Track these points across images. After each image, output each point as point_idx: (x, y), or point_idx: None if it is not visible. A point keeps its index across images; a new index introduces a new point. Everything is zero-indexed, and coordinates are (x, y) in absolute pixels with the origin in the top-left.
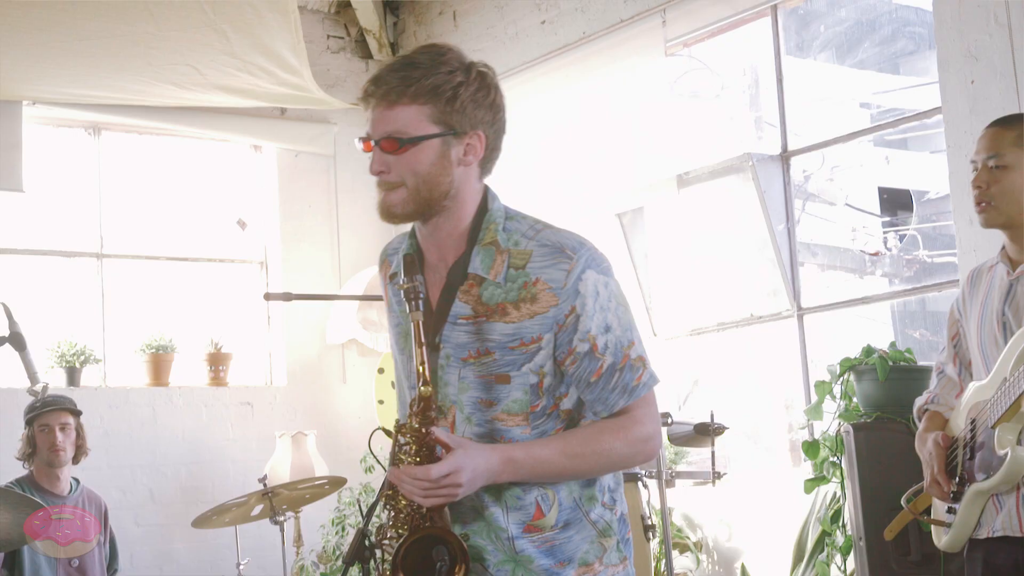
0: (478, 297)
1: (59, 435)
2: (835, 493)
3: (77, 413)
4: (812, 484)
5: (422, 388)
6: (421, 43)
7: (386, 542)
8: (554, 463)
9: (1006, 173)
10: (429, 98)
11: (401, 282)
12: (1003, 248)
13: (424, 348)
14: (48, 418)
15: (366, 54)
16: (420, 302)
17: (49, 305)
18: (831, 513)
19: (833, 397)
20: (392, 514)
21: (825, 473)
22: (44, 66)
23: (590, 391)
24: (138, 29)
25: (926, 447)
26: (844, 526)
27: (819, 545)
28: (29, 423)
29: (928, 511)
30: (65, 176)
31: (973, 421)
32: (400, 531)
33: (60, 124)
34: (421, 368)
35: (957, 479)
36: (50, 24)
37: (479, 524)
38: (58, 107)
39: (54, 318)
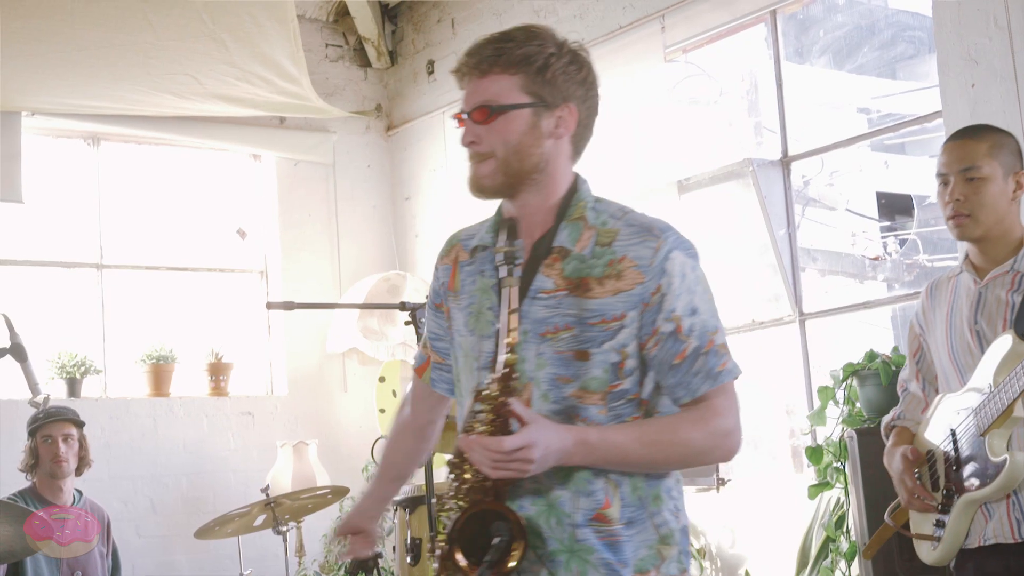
0: (561, 271)
1: (62, 446)
2: (839, 499)
3: (80, 424)
4: (816, 490)
5: (508, 355)
6: (420, 51)
7: (443, 514)
8: (629, 450)
9: (984, 184)
10: (520, 68)
11: (499, 245)
12: (967, 258)
13: (515, 315)
14: (51, 429)
15: (364, 62)
16: (517, 267)
17: (49, 316)
18: (835, 519)
19: (836, 402)
20: (456, 484)
21: (829, 479)
22: (43, 77)
23: (672, 374)
24: (137, 39)
25: (894, 462)
26: (848, 532)
27: (823, 551)
28: (32, 434)
29: (907, 526)
30: (64, 187)
31: (953, 432)
32: (460, 502)
33: (59, 135)
34: (511, 333)
35: (944, 491)
36: (49, 35)
37: (540, 506)
38: (57, 118)
39: (54, 329)
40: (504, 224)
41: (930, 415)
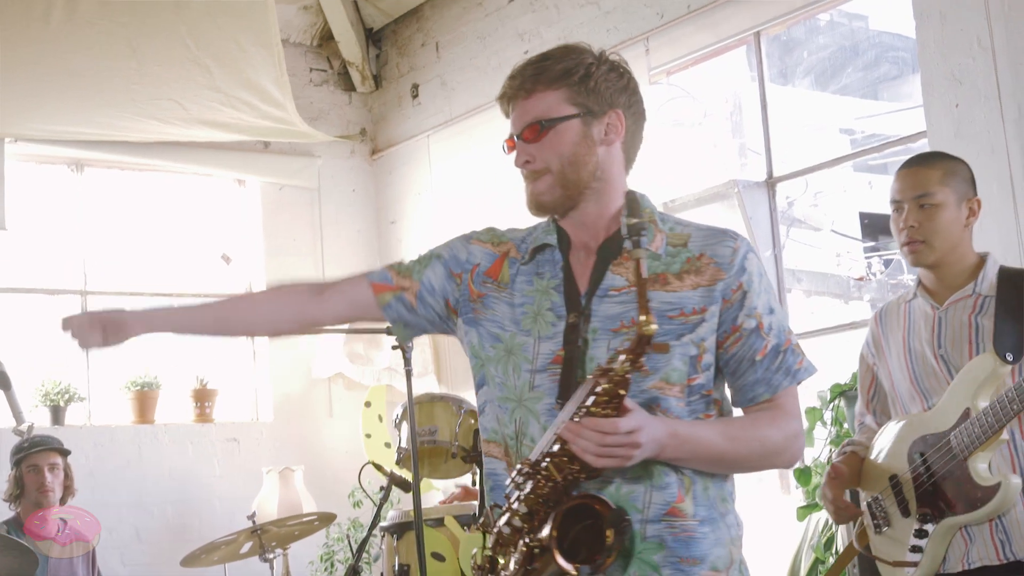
0: (633, 269)
1: (48, 475)
2: (827, 520)
3: (65, 453)
4: (805, 511)
5: (645, 328)
6: (404, 75)
7: (507, 526)
8: (715, 444)
9: (937, 211)
10: (563, 81)
11: (625, 219)
12: (920, 283)
13: (644, 286)
14: (37, 459)
15: (349, 86)
16: (643, 239)
17: (33, 343)
18: (824, 540)
19: (824, 423)
20: (529, 486)
21: (817, 500)
22: (26, 103)
23: (754, 371)
24: (121, 65)
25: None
26: (837, 553)
27: (812, 573)
28: (16, 464)
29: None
30: (48, 213)
31: (924, 456)
32: (529, 514)
33: (42, 161)
34: (644, 304)
35: (919, 516)
36: (32, 61)
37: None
38: (40, 144)
39: (38, 356)
40: (628, 196)
41: (885, 440)
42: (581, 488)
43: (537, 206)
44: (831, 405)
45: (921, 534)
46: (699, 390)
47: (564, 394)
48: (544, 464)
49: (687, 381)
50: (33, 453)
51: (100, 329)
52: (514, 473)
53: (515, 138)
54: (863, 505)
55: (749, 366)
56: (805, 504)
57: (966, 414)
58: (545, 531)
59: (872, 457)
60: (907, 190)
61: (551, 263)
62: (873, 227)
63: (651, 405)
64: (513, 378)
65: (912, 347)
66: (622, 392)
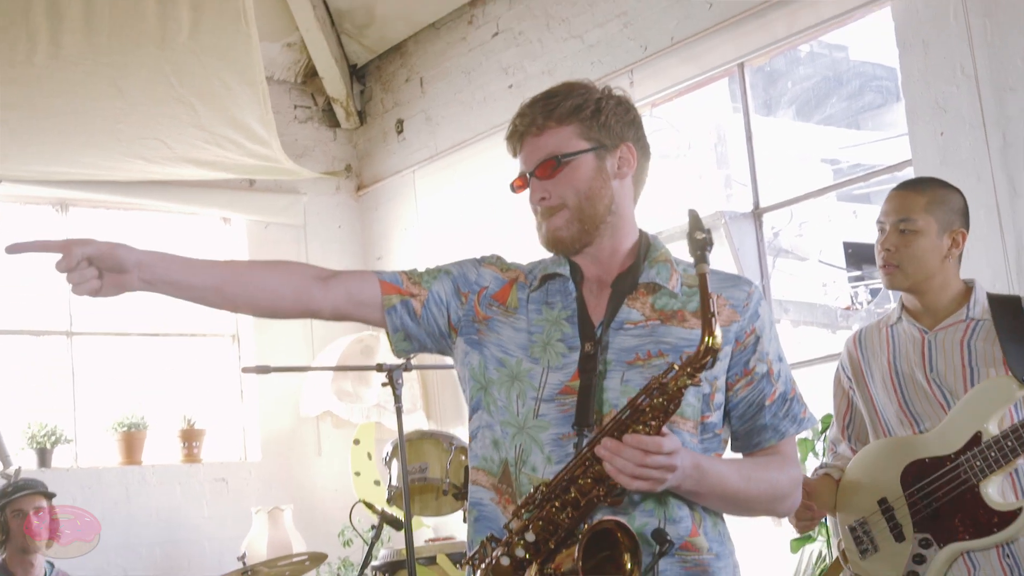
0: (650, 304)
1: (33, 520)
2: (821, 552)
3: (50, 496)
4: (798, 543)
5: (709, 340)
6: (389, 111)
7: (506, 556)
8: (732, 481)
9: (916, 238)
10: (574, 117)
11: (697, 236)
12: (903, 307)
13: (712, 300)
14: (22, 503)
15: (334, 123)
16: (708, 254)
17: (18, 385)
18: (818, 572)
19: (816, 454)
20: (542, 512)
21: (811, 532)
22: (10, 143)
23: (762, 415)
24: (105, 104)
25: None
26: None
27: None
28: (1, 509)
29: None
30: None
31: (927, 480)
32: (537, 544)
33: (27, 201)
34: (709, 320)
35: (918, 540)
36: (16, 101)
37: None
38: (25, 184)
39: (24, 398)
40: (691, 213)
41: (867, 463)
42: (596, 516)
43: (555, 242)
44: (822, 436)
45: (919, 559)
46: (711, 428)
47: (580, 421)
48: (566, 488)
49: (700, 418)
50: (18, 498)
51: (97, 272)
52: (524, 499)
53: (527, 176)
54: (844, 529)
55: (757, 411)
56: (798, 536)
57: (976, 438)
58: (564, 556)
59: (851, 480)
60: (891, 213)
61: (562, 293)
62: (857, 256)
63: None
64: (517, 404)
65: (900, 370)
66: (672, 408)
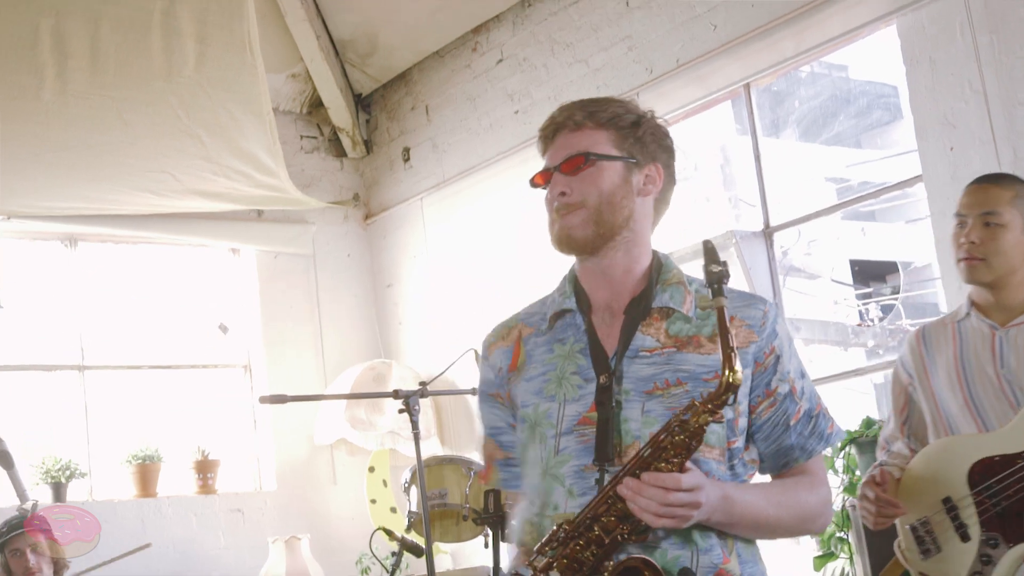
0: (665, 330)
1: (31, 557)
2: (843, 569)
3: (47, 530)
4: (821, 561)
5: (730, 376)
6: (395, 139)
7: None
8: (761, 509)
9: (1002, 232)
10: (612, 124)
11: (711, 269)
12: (972, 303)
13: (731, 335)
14: (17, 542)
15: (340, 152)
16: (724, 287)
17: (32, 420)
18: None
19: (836, 472)
20: (566, 550)
21: (833, 549)
22: (18, 180)
23: (788, 435)
24: (112, 138)
25: (861, 486)
26: None
27: None
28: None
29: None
30: (43, 289)
31: (995, 478)
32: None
33: (35, 237)
34: (730, 355)
35: (985, 539)
36: (23, 137)
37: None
38: (33, 220)
39: (38, 433)
40: (706, 245)
41: (930, 461)
42: (624, 552)
43: (566, 241)
44: (842, 453)
45: (986, 559)
46: (737, 453)
47: (600, 455)
48: (594, 527)
49: (727, 444)
50: (12, 537)
51: None
52: (547, 536)
53: (552, 169)
54: (904, 529)
55: (783, 431)
56: (821, 554)
57: None
58: None
59: (913, 478)
60: (974, 205)
61: (573, 327)
62: (865, 274)
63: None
64: (540, 449)
65: (968, 368)
66: (695, 445)
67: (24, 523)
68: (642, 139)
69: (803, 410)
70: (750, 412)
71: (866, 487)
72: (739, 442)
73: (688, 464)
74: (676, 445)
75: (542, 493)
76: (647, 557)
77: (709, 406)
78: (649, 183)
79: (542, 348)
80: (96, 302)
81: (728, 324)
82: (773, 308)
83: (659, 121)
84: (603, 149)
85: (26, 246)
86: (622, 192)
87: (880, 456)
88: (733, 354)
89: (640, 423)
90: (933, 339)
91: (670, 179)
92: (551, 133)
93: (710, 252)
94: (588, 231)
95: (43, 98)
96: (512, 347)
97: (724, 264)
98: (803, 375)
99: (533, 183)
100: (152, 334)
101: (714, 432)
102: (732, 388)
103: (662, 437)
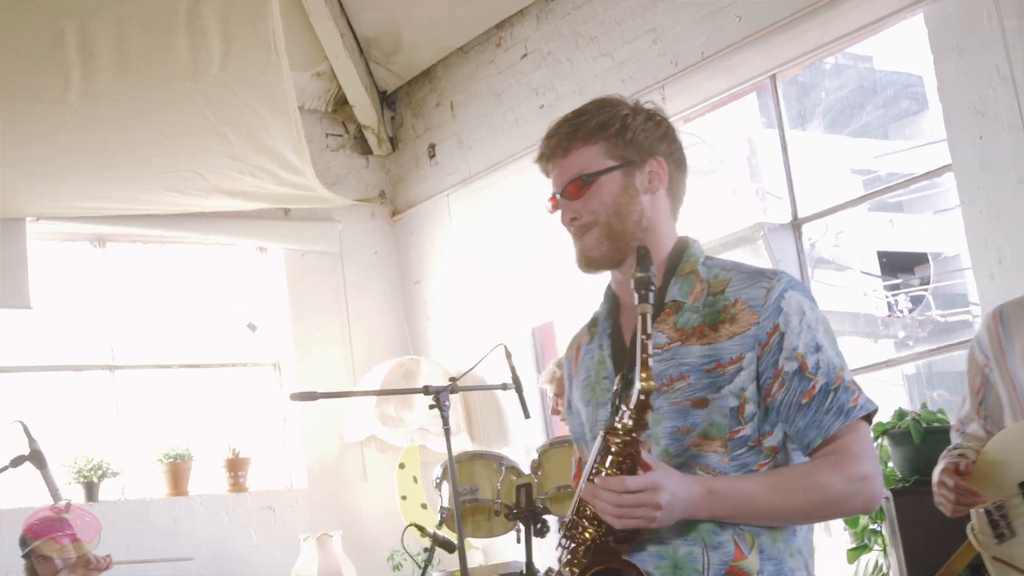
0: (673, 324)
1: (58, 561)
2: (877, 561)
3: (71, 534)
4: (855, 553)
5: (644, 383)
6: (420, 136)
7: None
8: (760, 498)
9: None
10: (599, 135)
11: (633, 272)
12: None
13: (648, 340)
14: (44, 549)
15: (366, 150)
16: (651, 293)
17: (64, 420)
18: None
19: None
20: (571, 547)
21: (867, 541)
22: (46, 181)
23: (802, 415)
24: (138, 138)
25: (937, 472)
26: None
27: None
28: (27, 556)
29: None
30: (72, 290)
31: None
32: (573, 571)
33: (65, 238)
34: (644, 359)
35: None
36: (51, 139)
37: (664, 568)
38: (62, 221)
39: (69, 433)
40: (639, 252)
41: (1008, 444)
42: (631, 551)
43: (587, 262)
44: (874, 444)
45: None
46: (744, 442)
47: None
48: (579, 526)
49: (729, 435)
50: (38, 544)
51: None
52: (559, 537)
53: (558, 197)
54: (978, 512)
55: (798, 411)
56: (855, 546)
57: None
58: None
59: (989, 461)
60: None
61: (604, 332)
62: (893, 265)
63: (690, 464)
64: (589, 446)
65: None
66: (633, 452)
67: (48, 529)
68: (634, 139)
69: (818, 386)
70: (765, 396)
71: (945, 475)
72: (746, 430)
73: (651, 463)
74: (619, 451)
75: None
76: (625, 558)
77: (631, 413)
78: (654, 179)
79: (588, 356)
80: (126, 302)
81: (648, 330)
82: (782, 282)
83: (650, 109)
84: (597, 164)
85: (55, 247)
86: (627, 198)
87: (955, 439)
88: (648, 359)
89: (651, 420)
90: (1011, 319)
91: (676, 165)
92: (546, 161)
93: (643, 257)
94: (604, 248)
95: (69, 100)
96: (573, 355)
97: (687, 263)
98: (818, 348)
99: (549, 209)
100: (181, 333)
101: (715, 424)
102: (646, 394)
103: (608, 441)
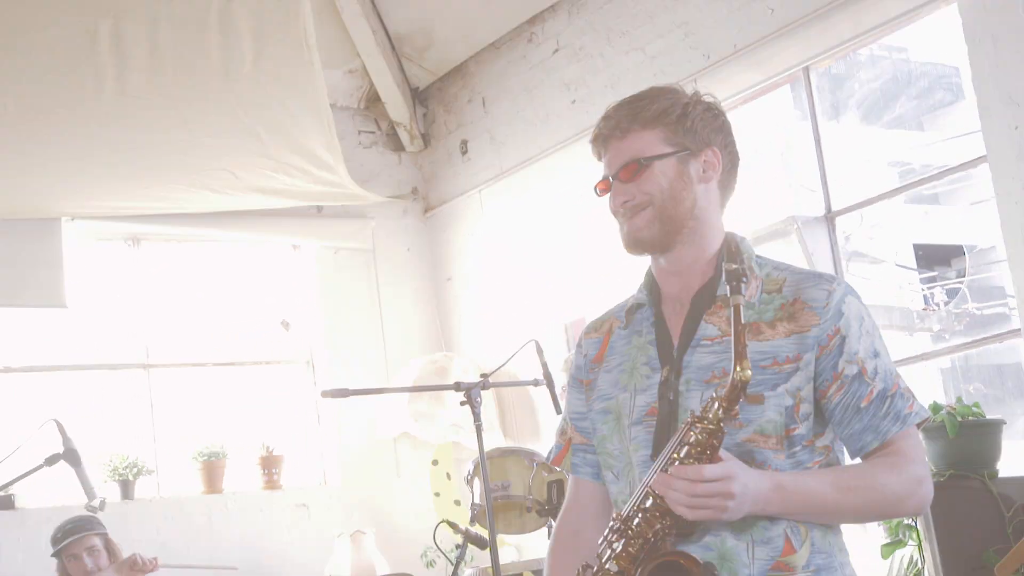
0: (726, 318)
1: (88, 560)
2: (912, 556)
3: (101, 531)
4: (889, 549)
5: (740, 373)
6: (452, 132)
7: None
8: (825, 496)
9: None
10: (659, 121)
11: (726, 264)
12: None
13: (743, 333)
14: (73, 548)
15: (398, 147)
16: (743, 285)
17: (99, 419)
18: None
19: None
20: (620, 542)
21: (901, 536)
22: (81, 182)
23: (859, 419)
24: (172, 137)
25: None
26: None
27: None
28: (57, 555)
29: None
30: (107, 289)
31: None
32: (620, 574)
33: (100, 238)
34: (741, 350)
35: None
36: (84, 139)
37: (710, 558)
38: (97, 221)
39: (105, 432)
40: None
41: None
42: (678, 544)
43: (635, 242)
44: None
45: None
46: (799, 440)
47: (657, 448)
48: (636, 521)
49: (785, 432)
50: (69, 544)
51: None
52: (607, 531)
53: (610, 179)
54: None
55: (855, 414)
56: (889, 542)
57: None
58: None
59: None
60: None
61: (646, 320)
62: (929, 257)
63: (746, 459)
64: (623, 439)
65: None
66: (715, 442)
67: (78, 528)
68: (693, 127)
69: (876, 391)
70: (820, 397)
71: None
72: (801, 429)
73: (723, 455)
74: (699, 442)
75: (628, 482)
76: (683, 550)
77: (724, 403)
78: (708, 169)
79: (622, 341)
80: (160, 301)
81: (742, 322)
82: (841, 287)
83: (708, 100)
84: (655, 149)
85: (90, 247)
86: (681, 184)
87: None
88: (743, 349)
89: (699, 410)
90: None
91: (730, 159)
92: (601, 142)
93: (730, 246)
94: (654, 229)
95: (103, 100)
96: (602, 339)
97: (741, 262)
98: (876, 354)
99: (597, 191)
100: (215, 331)
101: (770, 421)
102: (739, 385)
103: (687, 432)
